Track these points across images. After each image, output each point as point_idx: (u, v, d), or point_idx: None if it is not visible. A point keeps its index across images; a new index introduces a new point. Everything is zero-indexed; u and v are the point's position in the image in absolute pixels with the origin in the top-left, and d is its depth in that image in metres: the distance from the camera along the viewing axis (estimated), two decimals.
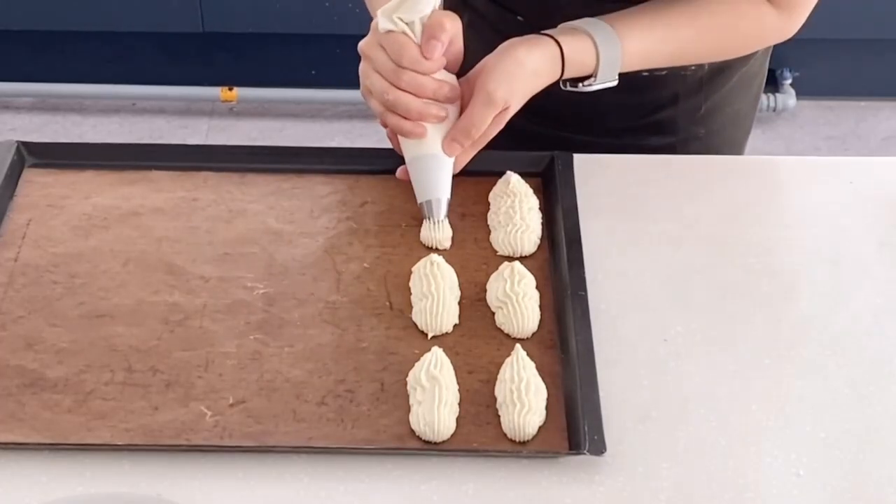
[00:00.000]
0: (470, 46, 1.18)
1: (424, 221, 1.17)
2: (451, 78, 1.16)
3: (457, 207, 1.19)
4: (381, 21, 1.14)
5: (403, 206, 1.20)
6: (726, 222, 1.21)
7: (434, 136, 1.16)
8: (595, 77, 1.20)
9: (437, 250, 1.16)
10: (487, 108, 1.15)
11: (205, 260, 1.15)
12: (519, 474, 0.97)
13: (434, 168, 1.17)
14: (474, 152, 1.19)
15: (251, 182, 1.23)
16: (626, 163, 1.30)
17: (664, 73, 1.32)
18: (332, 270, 1.14)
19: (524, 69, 1.16)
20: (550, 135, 1.36)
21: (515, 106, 1.17)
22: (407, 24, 1.13)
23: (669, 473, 0.98)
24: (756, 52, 1.38)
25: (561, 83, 1.21)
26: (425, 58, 1.13)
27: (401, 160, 1.21)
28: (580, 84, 1.21)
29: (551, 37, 1.19)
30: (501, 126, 1.18)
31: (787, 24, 1.25)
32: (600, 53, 1.19)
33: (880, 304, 1.13)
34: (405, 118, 1.15)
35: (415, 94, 1.14)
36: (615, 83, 1.21)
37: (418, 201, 1.18)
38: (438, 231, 1.16)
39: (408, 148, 1.18)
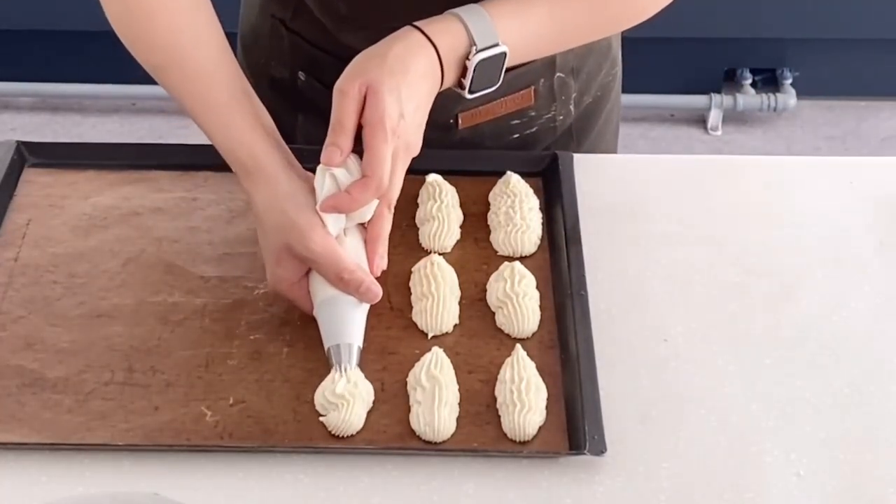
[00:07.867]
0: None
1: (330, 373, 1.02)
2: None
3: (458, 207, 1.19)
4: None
5: (403, 206, 1.19)
6: (726, 222, 1.21)
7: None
8: (475, 44, 1.08)
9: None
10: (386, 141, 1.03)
11: (205, 260, 1.15)
12: (519, 474, 0.97)
13: (349, 309, 1.05)
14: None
15: None
16: (626, 163, 1.30)
17: (535, 128, 1.28)
18: None
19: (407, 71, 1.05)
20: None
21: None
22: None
23: (669, 473, 0.98)
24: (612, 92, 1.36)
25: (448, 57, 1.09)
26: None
27: None
28: (467, 60, 1.09)
29: (417, 28, 1.09)
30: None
31: None
32: (465, 20, 1.08)
33: (880, 304, 1.13)
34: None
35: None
36: (504, 48, 1.09)
37: (325, 346, 1.04)
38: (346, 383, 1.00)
39: (319, 290, 1.05)
